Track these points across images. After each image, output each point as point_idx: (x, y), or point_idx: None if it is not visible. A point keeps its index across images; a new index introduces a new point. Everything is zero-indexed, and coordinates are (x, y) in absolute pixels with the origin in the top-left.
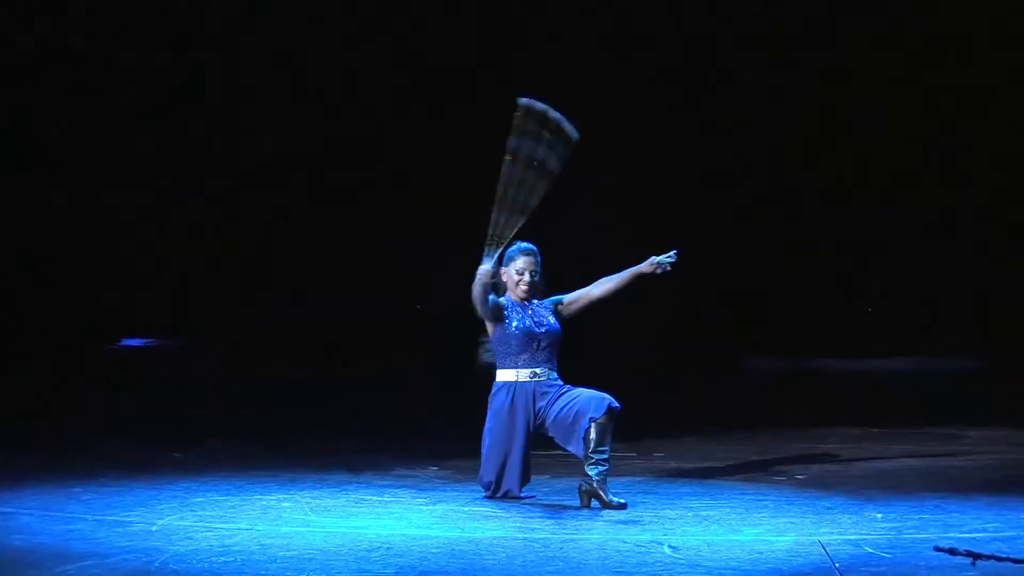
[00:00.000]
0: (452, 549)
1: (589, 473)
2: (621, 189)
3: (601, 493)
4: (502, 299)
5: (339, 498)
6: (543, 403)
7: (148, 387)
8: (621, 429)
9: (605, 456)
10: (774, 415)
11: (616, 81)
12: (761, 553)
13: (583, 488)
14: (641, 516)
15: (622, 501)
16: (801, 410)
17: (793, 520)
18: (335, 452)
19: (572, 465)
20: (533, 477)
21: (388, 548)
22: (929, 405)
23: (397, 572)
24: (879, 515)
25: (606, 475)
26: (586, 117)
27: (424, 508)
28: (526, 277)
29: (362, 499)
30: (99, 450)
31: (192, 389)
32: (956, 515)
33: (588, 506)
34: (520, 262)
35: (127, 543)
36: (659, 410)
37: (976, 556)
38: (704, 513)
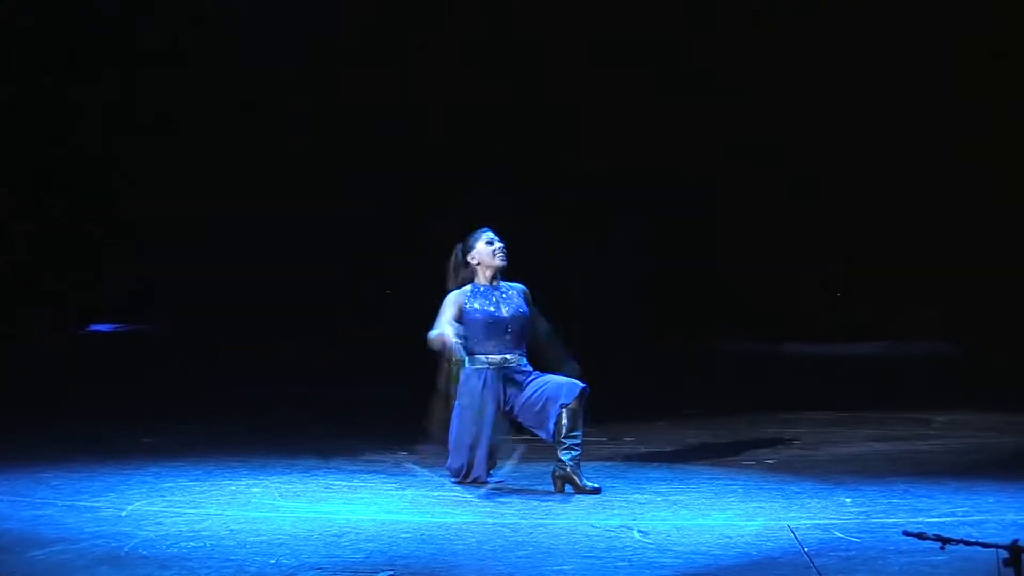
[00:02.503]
0: (422, 534)
1: (562, 458)
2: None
3: (575, 478)
4: (462, 292)
5: (309, 483)
6: (513, 389)
7: (116, 372)
8: (593, 413)
9: (577, 441)
10: (744, 399)
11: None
12: (730, 537)
13: (557, 473)
14: (611, 501)
15: (596, 486)
16: (770, 394)
17: (762, 504)
18: (305, 437)
19: (541, 450)
20: (502, 462)
21: (358, 533)
22: (898, 390)
23: (367, 557)
24: (848, 499)
25: (579, 460)
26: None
27: (394, 493)
28: (498, 244)
29: (332, 484)
30: (68, 435)
31: (161, 374)
32: (925, 499)
33: (562, 491)
34: (487, 236)
35: (96, 528)
36: (629, 394)
37: (945, 540)
38: (673, 498)
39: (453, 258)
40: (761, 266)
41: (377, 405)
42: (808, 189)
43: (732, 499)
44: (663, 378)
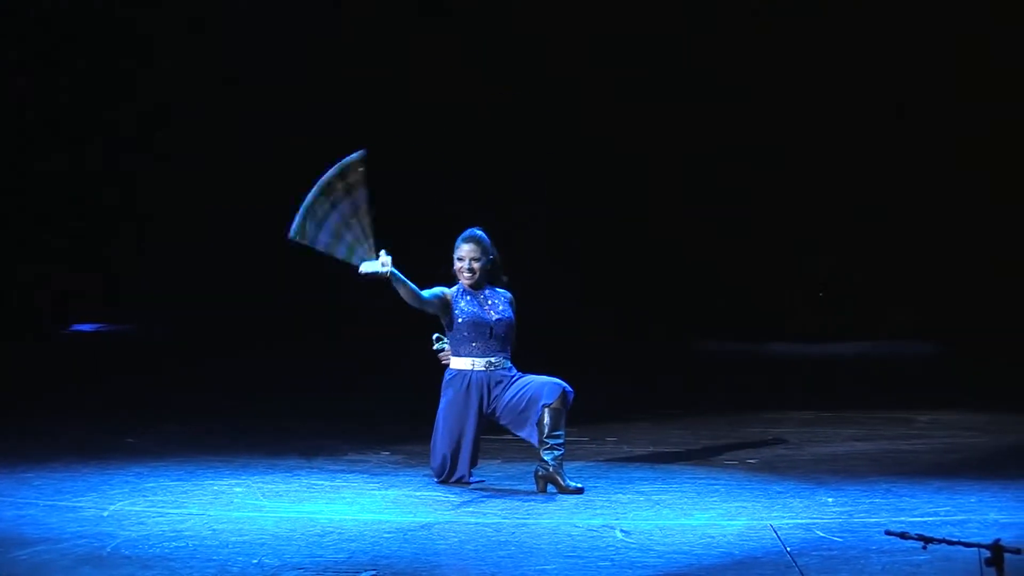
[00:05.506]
0: (404, 534)
1: (545, 458)
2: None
3: (558, 478)
4: (450, 289)
5: (291, 483)
6: (497, 391)
7: (99, 372)
8: (573, 414)
9: (560, 441)
10: (726, 399)
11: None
12: (713, 537)
13: (540, 473)
14: (593, 500)
15: (579, 486)
16: (753, 394)
17: (744, 504)
18: (287, 437)
19: (524, 450)
20: (485, 462)
21: (340, 533)
22: (880, 389)
23: (349, 557)
24: (830, 499)
25: (562, 460)
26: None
27: (376, 493)
28: (466, 265)
29: (314, 484)
30: (50, 435)
31: (143, 374)
32: (907, 499)
33: (544, 491)
34: (461, 250)
35: (78, 528)
36: (611, 394)
37: (927, 540)
38: (656, 497)
39: None
40: (746, 266)
41: (359, 405)
42: (791, 188)
43: (714, 499)
44: (646, 378)
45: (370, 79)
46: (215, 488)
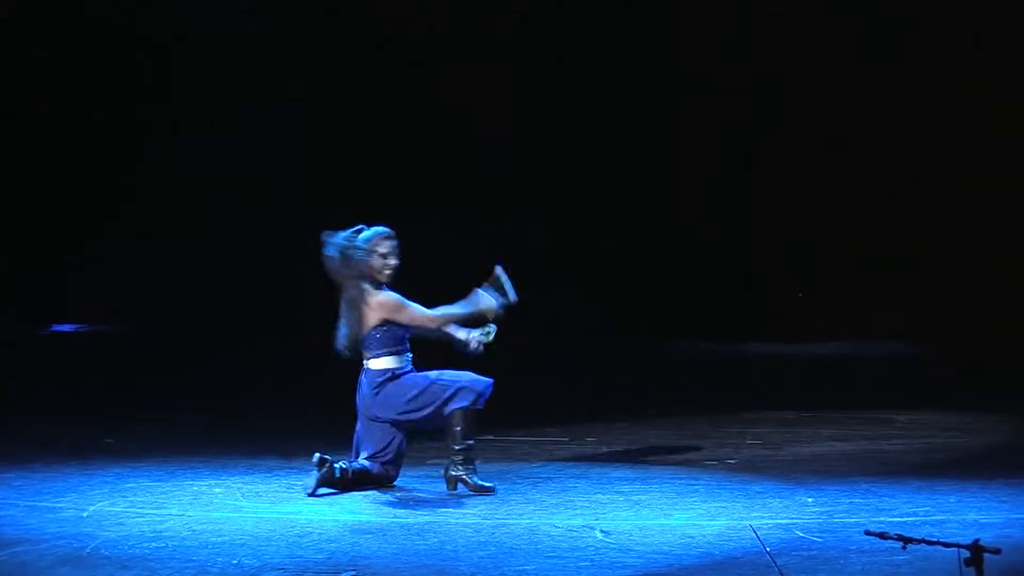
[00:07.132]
0: (384, 534)
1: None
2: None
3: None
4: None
5: (271, 483)
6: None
7: (79, 372)
8: (555, 413)
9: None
10: (706, 399)
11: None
12: (692, 537)
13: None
14: (573, 501)
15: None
16: (732, 394)
17: (724, 504)
18: (266, 437)
19: (501, 450)
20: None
21: (320, 533)
22: (860, 389)
23: (329, 557)
24: (810, 499)
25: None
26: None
27: (356, 493)
28: (391, 261)
29: (294, 484)
30: (30, 436)
31: (123, 374)
32: (887, 499)
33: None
34: (384, 246)
35: (58, 529)
36: (591, 394)
37: (907, 540)
38: (635, 497)
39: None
40: (725, 265)
41: (339, 405)
42: (775, 189)
43: (694, 499)
44: (625, 378)
45: (372, 79)
46: (195, 489)
